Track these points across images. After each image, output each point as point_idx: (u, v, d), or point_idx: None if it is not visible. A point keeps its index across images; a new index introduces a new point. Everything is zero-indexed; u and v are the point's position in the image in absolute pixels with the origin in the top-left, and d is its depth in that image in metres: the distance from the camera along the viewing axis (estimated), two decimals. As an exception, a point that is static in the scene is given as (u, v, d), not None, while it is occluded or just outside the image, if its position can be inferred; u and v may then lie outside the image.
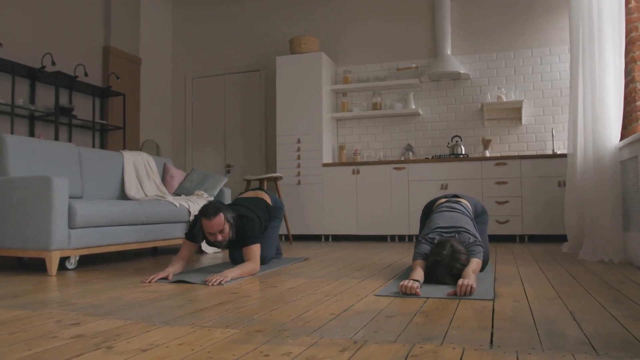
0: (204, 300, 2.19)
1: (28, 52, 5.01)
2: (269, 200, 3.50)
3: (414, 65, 6.12)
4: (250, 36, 7.03)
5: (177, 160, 7.31)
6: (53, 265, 3.05)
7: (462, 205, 2.96)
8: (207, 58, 7.25)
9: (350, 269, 3.23)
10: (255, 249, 3.04)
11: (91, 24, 5.88)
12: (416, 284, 2.23)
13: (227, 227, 2.94)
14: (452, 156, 5.65)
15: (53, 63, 4.98)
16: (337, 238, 6.08)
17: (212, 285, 2.62)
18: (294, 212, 6.01)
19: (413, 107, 6.08)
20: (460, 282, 2.20)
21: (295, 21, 6.80)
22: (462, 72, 5.76)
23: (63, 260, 3.33)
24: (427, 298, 2.16)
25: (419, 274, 2.44)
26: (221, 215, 2.88)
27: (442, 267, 2.45)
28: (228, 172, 7.12)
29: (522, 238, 5.30)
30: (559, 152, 5.42)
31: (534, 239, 5.32)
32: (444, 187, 5.45)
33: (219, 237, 2.93)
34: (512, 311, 1.88)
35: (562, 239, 4.97)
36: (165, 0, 7.24)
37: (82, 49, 5.72)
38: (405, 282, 2.24)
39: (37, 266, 3.53)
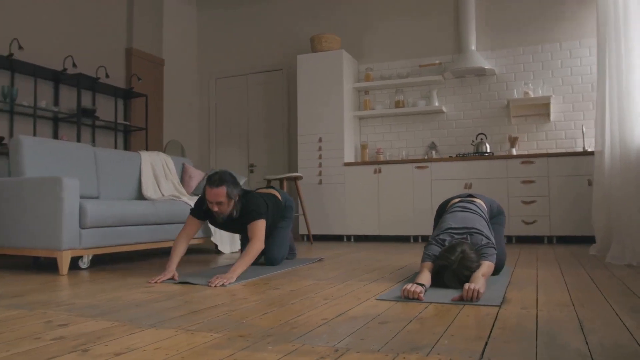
0: (200, 303, 2.14)
1: (51, 55, 5.10)
2: (279, 197, 3.46)
3: (437, 62, 5.96)
4: (273, 35, 7.01)
5: (201, 160, 7.36)
6: (64, 265, 3.08)
7: (476, 205, 2.83)
8: (230, 58, 7.27)
9: (361, 270, 3.14)
10: (260, 225, 2.97)
11: (114, 26, 5.97)
12: (419, 288, 2.13)
13: (226, 201, 2.89)
14: (476, 154, 5.47)
15: (74, 65, 5.07)
16: (360, 238, 5.98)
17: (215, 286, 2.59)
18: (315, 212, 5.95)
19: (436, 104, 5.92)
20: (466, 286, 2.09)
21: (318, 19, 6.74)
22: (486, 67, 5.58)
23: (77, 260, 3.36)
24: (430, 303, 2.06)
25: (425, 277, 2.33)
26: (223, 188, 2.84)
27: (450, 272, 2.34)
28: (251, 171, 7.12)
29: (550, 239, 5.09)
30: (590, 150, 5.17)
31: (563, 240, 5.10)
32: (467, 186, 5.28)
33: (216, 208, 2.88)
34: (516, 319, 1.76)
35: (591, 240, 4.74)
36: (190, 2, 7.30)
37: (104, 51, 5.80)
38: (409, 287, 2.15)
39: (51, 266, 3.58)
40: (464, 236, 2.55)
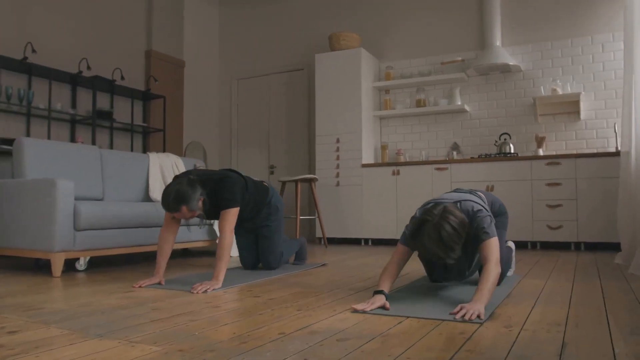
0: (167, 311, 2.05)
1: (67, 58, 5.17)
2: (268, 191, 3.30)
3: (459, 59, 5.71)
4: (295, 34, 6.91)
5: (221, 161, 7.34)
6: (57, 267, 3.06)
7: (473, 192, 2.52)
8: (251, 58, 7.22)
9: (358, 278, 2.98)
10: (230, 215, 2.74)
11: (133, 29, 6.01)
12: (362, 306, 1.96)
13: (192, 213, 2.66)
14: (499, 155, 5.19)
15: (88, 68, 5.12)
16: (379, 242, 5.80)
17: (198, 293, 2.49)
18: (332, 214, 5.81)
19: (459, 103, 5.67)
20: (459, 308, 1.85)
21: (339, 17, 6.60)
22: (512, 64, 5.29)
23: (74, 262, 3.34)
24: (407, 317, 1.89)
25: (384, 283, 2.10)
26: (183, 208, 2.61)
27: (430, 227, 1.97)
28: (271, 172, 7.05)
29: (577, 246, 4.76)
30: (623, 150, 4.81)
31: (591, 247, 4.76)
32: (489, 188, 5.02)
33: (190, 219, 2.74)
34: (492, 340, 1.57)
35: (620, 247, 4.40)
36: (212, 3, 7.30)
37: (123, 54, 5.85)
38: (359, 307, 1.97)
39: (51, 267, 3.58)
40: (455, 204, 2.20)
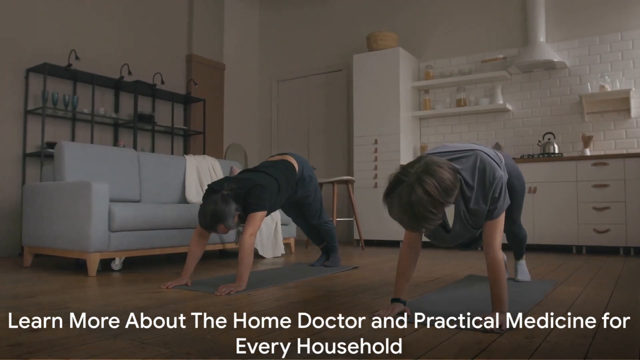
0: (186, 312, 2.07)
1: (110, 64, 5.35)
2: (295, 164, 3.24)
3: (501, 56, 5.52)
4: (333, 35, 6.90)
5: (261, 163, 7.41)
6: (92, 267, 3.16)
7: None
8: (291, 60, 7.26)
9: (385, 282, 2.92)
10: (256, 218, 2.76)
11: (173, 34, 6.16)
12: (388, 312, 1.88)
13: (228, 229, 2.72)
14: (542, 156, 4.98)
15: (130, 73, 5.28)
16: (416, 245, 5.68)
17: (221, 295, 2.51)
18: (371, 216, 5.74)
19: (501, 102, 5.49)
20: (482, 318, 1.74)
21: (377, 17, 6.53)
22: (556, 60, 5.07)
23: (110, 262, 3.45)
24: (425, 324, 1.83)
25: (400, 289, 1.97)
26: (220, 227, 2.68)
27: (404, 189, 1.62)
28: (311, 174, 7.05)
29: (626, 250, 4.50)
30: (678, 150, 4.52)
31: (644, 252, 4.49)
32: (532, 190, 4.82)
33: (227, 232, 2.77)
34: (507, 352, 1.49)
35: (678, 254, 4.13)
36: (252, 5, 7.39)
37: (164, 59, 6.01)
38: (378, 313, 1.91)
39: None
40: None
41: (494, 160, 1.90)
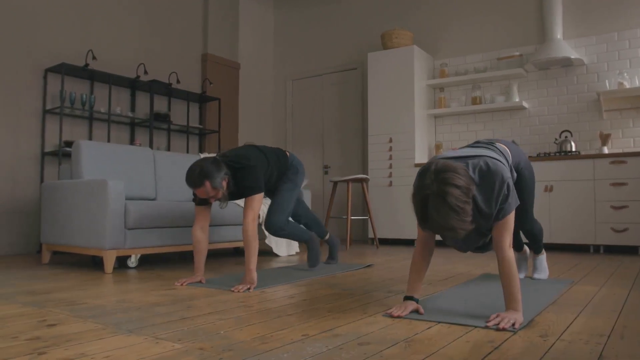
0: (199, 309, 2.09)
1: (126, 64, 5.42)
2: (287, 157, 3.26)
3: (517, 53, 5.46)
4: (348, 34, 6.89)
5: (276, 162, 7.43)
6: (108, 264, 3.20)
7: (491, 143, 2.19)
8: (306, 59, 7.27)
9: (398, 280, 2.92)
10: (254, 202, 2.73)
11: (189, 33, 6.21)
12: (402, 309, 1.89)
13: (215, 192, 2.65)
14: (559, 154, 4.92)
15: (145, 72, 5.34)
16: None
17: (239, 292, 2.52)
18: (385, 215, 5.73)
19: (517, 100, 5.43)
20: (495, 316, 1.76)
21: (392, 15, 6.51)
22: (574, 57, 5.00)
23: (126, 259, 3.49)
24: (438, 322, 1.82)
25: (414, 285, 1.99)
26: (206, 184, 2.60)
27: (435, 200, 1.63)
28: (325, 172, 7.06)
29: (645, 251, 4.43)
30: (699, 148, 4.43)
31: (664, 252, 4.41)
32: (548, 189, 4.77)
33: (212, 200, 2.74)
34: (520, 350, 1.48)
35: (699, 254, 4.05)
36: (267, 4, 7.41)
37: (179, 58, 6.06)
38: (393, 311, 1.91)
39: (110, 263, 3.76)
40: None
41: (500, 161, 1.91)
